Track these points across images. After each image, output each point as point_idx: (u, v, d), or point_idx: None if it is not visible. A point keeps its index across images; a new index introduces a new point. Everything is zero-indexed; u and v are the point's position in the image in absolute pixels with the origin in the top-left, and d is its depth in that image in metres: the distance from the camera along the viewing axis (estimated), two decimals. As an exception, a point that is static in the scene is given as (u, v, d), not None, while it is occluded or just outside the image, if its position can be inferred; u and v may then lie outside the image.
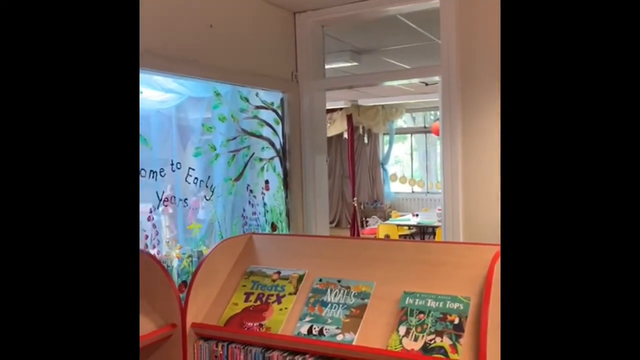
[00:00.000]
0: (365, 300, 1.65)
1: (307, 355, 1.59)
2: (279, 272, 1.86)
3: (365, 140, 10.11)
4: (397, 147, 10.47)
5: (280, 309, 1.73)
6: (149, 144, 2.31)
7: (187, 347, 1.76)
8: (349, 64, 4.83)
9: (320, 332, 1.60)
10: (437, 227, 6.83)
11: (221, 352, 1.71)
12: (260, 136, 3.06)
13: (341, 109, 8.63)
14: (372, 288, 1.67)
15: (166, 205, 2.43)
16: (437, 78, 2.92)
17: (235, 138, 2.86)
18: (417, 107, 9.42)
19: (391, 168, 10.31)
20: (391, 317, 1.58)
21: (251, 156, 2.99)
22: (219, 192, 2.76)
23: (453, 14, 2.74)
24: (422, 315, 1.53)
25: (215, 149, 2.73)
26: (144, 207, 2.35)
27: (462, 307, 1.51)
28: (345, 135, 9.02)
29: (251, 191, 3.00)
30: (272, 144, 3.16)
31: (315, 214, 3.34)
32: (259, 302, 1.79)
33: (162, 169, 2.38)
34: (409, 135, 10.51)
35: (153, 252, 2.32)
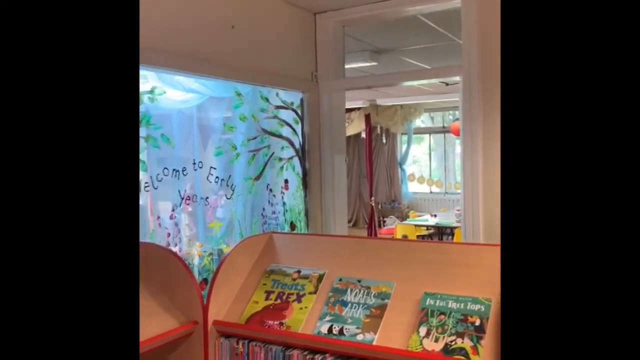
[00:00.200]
0: (386, 301, 1.65)
1: (327, 355, 1.60)
2: (299, 271, 1.87)
3: (383, 140, 10.09)
4: (414, 147, 10.42)
5: (301, 308, 1.74)
6: (172, 143, 2.35)
7: (208, 344, 1.79)
8: (368, 64, 4.83)
9: (341, 332, 1.61)
10: (455, 227, 6.79)
11: (242, 350, 1.73)
12: (280, 136, 3.08)
13: (359, 108, 8.62)
14: (392, 288, 1.68)
15: (188, 204, 2.46)
16: (457, 78, 2.91)
17: (255, 138, 2.89)
18: (435, 107, 9.37)
19: (409, 168, 10.27)
20: (411, 317, 1.58)
21: (271, 155, 3.01)
22: (239, 191, 2.79)
23: (474, 13, 2.72)
24: (442, 317, 1.53)
25: (235, 149, 2.75)
26: (167, 206, 2.39)
27: (483, 309, 1.50)
28: (363, 135, 9.00)
29: (271, 190, 3.03)
30: (292, 144, 3.18)
31: (334, 213, 3.35)
32: (279, 301, 1.80)
33: (184, 167, 2.41)
34: (425, 136, 10.46)
35: (175, 249, 2.35)
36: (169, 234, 2.35)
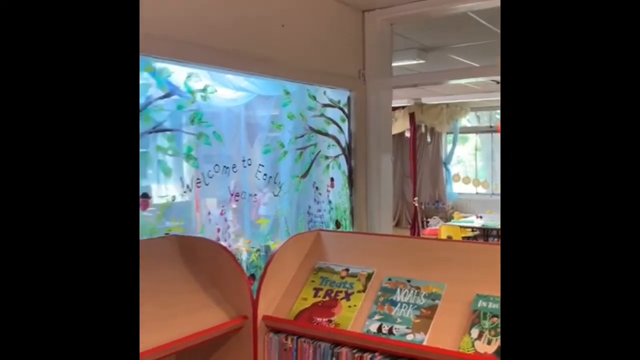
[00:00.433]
0: (436, 302, 1.63)
1: (376, 353, 1.59)
2: (347, 270, 1.87)
3: (428, 139, 9.95)
4: (459, 147, 10.23)
5: (349, 306, 1.74)
6: (223, 141, 2.39)
7: (257, 339, 1.81)
8: (415, 62, 4.78)
9: (390, 331, 1.60)
10: (502, 229, 6.61)
11: (291, 346, 1.75)
12: (326, 134, 3.09)
13: (403, 107, 8.54)
14: (443, 289, 1.65)
15: (237, 200, 2.50)
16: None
17: (302, 136, 2.91)
18: (482, 106, 9.17)
19: (453, 168, 10.09)
20: (463, 319, 1.55)
21: (317, 154, 3.02)
22: (286, 189, 2.81)
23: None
24: (495, 319, 1.50)
25: (283, 146, 2.78)
26: (217, 202, 2.44)
27: (538, 313, 1.46)
28: (407, 134, 8.91)
29: (317, 188, 3.04)
30: (338, 142, 3.19)
31: (380, 212, 3.34)
32: (327, 298, 1.81)
33: (234, 165, 2.46)
34: (470, 136, 10.25)
35: (224, 245, 2.39)
36: (218, 230, 2.40)
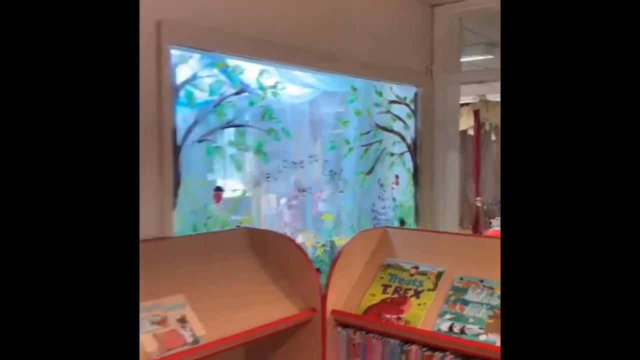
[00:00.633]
0: (511, 303, 1.58)
1: (447, 353, 1.57)
2: (416, 267, 1.85)
3: (492, 138, 9.64)
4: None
5: (419, 304, 1.72)
6: (291, 136, 2.43)
7: (326, 333, 1.83)
8: (482, 57, 4.64)
9: (462, 331, 1.57)
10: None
11: (359, 341, 1.75)
12: (392, 131, 3.06)
13: (468, 104, 8.32)
14: (517, 290, 1.60)
15: (303, 195, 2.53)
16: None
17: (368, 132, 2.89)
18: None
19: (519, 167, 9.74)
20: (539, 322, 1.50)
21: (382, 150, 3.00)
22: (350, 185, 2.81)
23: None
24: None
25: (348, 143, 2.78)
26: (283, 196, 2.48)
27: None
28: (471, 132, 8.67)
29: (382, 185, 3.02)
30: (404, 139, 3.15)
31: (445, 211, 3.27)
32: (396, 295, 1.80)
33: (301, 160, 2.49)
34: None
35: (290, 239, 2.43)
36: (285, 224, 2.44)
